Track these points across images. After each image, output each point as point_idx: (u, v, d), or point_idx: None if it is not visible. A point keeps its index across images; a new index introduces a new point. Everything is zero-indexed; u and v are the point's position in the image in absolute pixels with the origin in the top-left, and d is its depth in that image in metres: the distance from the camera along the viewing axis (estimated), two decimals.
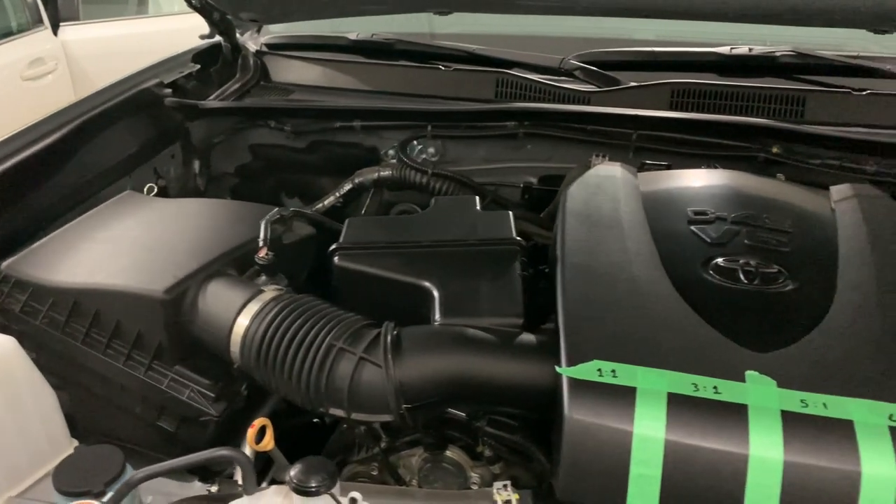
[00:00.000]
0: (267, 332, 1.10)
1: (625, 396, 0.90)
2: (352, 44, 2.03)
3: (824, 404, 0.89)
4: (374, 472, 1.27)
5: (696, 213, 1.25)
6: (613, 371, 0.93)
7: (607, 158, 1.59)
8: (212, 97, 1.94)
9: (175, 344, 1.20)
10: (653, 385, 0.92)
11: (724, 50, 1.81)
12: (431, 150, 1.83)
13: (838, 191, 1.35)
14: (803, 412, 0.88)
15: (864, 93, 1.67)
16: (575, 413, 0.91)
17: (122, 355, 1.22)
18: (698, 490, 0.87)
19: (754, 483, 0.85)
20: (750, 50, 1.79)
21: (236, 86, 1.98)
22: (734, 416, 0.88)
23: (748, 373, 0.93)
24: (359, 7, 1.87)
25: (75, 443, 1.28)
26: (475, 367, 1.06)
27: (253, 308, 1.15)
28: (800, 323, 1.02)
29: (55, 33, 4.52)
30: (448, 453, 1.23)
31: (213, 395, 1.20)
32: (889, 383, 0.91)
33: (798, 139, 1.59)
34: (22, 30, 4.39)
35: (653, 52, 1.89)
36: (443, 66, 1.93)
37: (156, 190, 1.75)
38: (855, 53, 1.78)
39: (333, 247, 1.30)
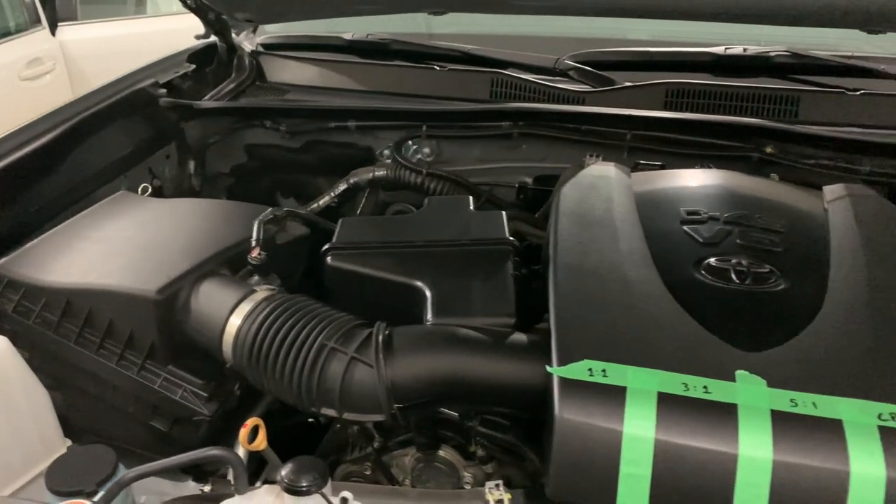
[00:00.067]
0: (259, 332, 1.10)
1: (615, 396, 0.90)
2: (347, 44, 2.03)
3: (814, 403, 0.89)
4: (368, 472, 1.27)
5: (689, 212, 1.25)
6: (604, 371, 0.93)
7: (601, 158, 1.59)
8: (207, 97, 1.94)
9: (168, 344, 1.21)
10: (643, 385, 0.92)
11: (719, 50, 1.81)
12: (427, 150, 1.83)
13: (831, 191, 1.35)
14: (793, 411, 0.88)
15: (857, 93, 1.68)
16: (565, 413, 0.91)
17: (115, 355, 1.22)
18: (688, 489, 0.87)
19: (743, 482, 0.85)
20: (744, 50, 1.79)
21: (231, 86, 1.98)
22: (724, 415, 0.88)
23: (738, 372, 0.92)
24: (354, 7, 1.87)
25: (68, 442, 1.29)
26: (466, 366, 1.06)
27: (245, 308, 1.15)
28: (791, 322, 1.02)
29: (53, 33, 4.52)
30: (441, 453, 1.23)
31: (205, 394, 1.20)
32: (879, 383, 0.91)
33: (792, 139, 1.59)
34: (20, 30, 4.39)
35: (647, 53, 1.90)
36: (438, 66, 1.94)
37: (150, 190, 1.76)
38: (849, 54, 1.78)
39: (326, 247, 1.30)
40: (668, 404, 0.89)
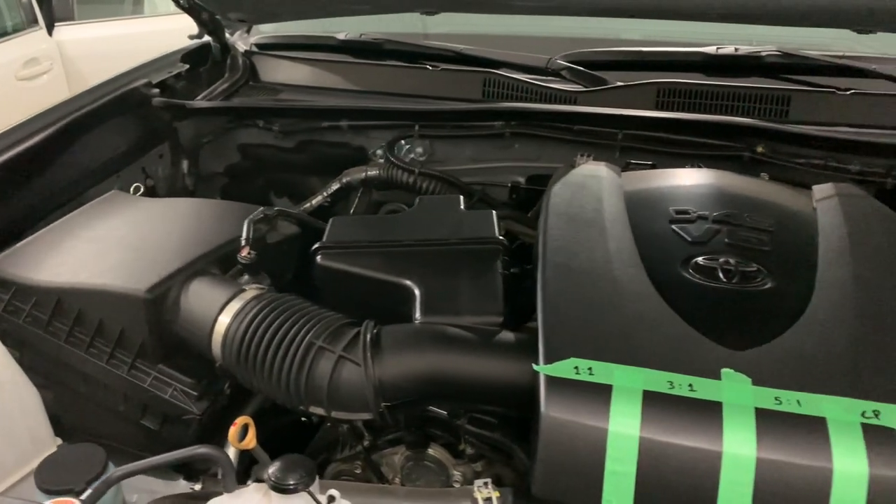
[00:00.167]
0: (247, 331, 1.11)
1: (601, 394, 0.91)
2: (340, 44, 2.04)
3: (798, 401, 0.89)
4: (358, 471, 1.28)
5: (678, 212, 1.26)
6: (590, 369, 0.94)
7: (592, 158, 1.60)
8: (200, 97, 1.94)
9: (158, 342, 1.21)
10: (629, 383, 0.92)
11: (711, 50, 1.81)
12: (419, 149, 1.83)
13: (820, 190, 1.35)
14: (777, 409, 0.89)
15: (848, 92, 1.68)
16: (551, 410, 0.92)
17: (105, 354, 1.22)
18: (672, 487, 0.88)
19: (727, 480, 0.86)
20: (736, 50, 1.79)
21: (224, 86, 1.98)
22: (708, 413, 0.89)
23: (723, 370, 0.93)
24: (346, 7, 1.87)
25: (59, 441, 1.29)
26: (454, 365, 1.06)
27: (234, 306, 1.15)
28: (777, 321, 1.02)
29: (50, 33, 4.51)
30: (430, 451, 1.24)
31: (195, 393, 1.21)
32: (863, 381, 0.92)
33: (783, 139, 1.59)
34: (17, 30, 4.38)
35: (639, 52, 1.90)
36: (430, 65, 1.94)
37: (142, 189, 1.76)
38: (840, 53, 1.78)
39: (316, 246, 1.30)
40: (654, 402, 0.90)
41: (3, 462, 1.20)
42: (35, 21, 4.47)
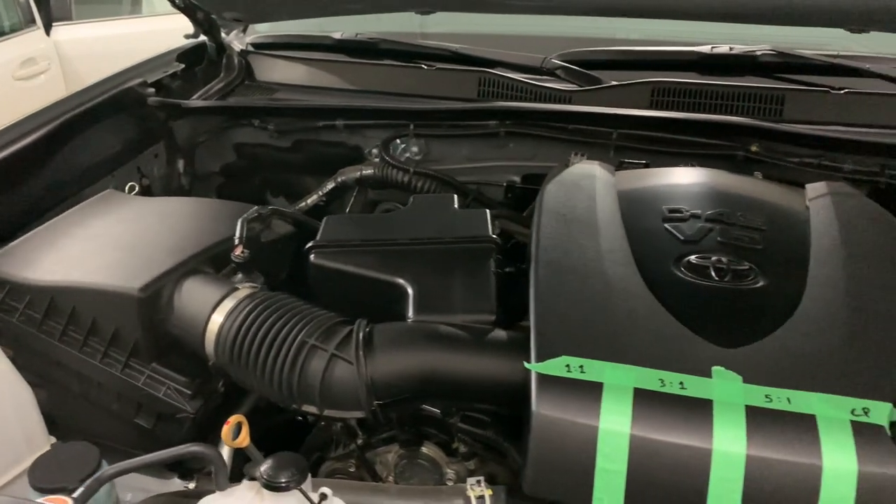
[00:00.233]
0: (240, 329, 1.11)
1: (592, 392, 0.91)
2: (336, 43, 2.04)
3: (788, 399, 0.90)
4: (352, 469, 1.28)
5: (671, 210, 1.26)
6: (581, 367, 0.94)
7: (586, 157, 1.60)
8: (195, 96, 1.94)
9: (151, 341, 1.21)
10: (620, 381, 0.92)
11: (705, 49, 1.81)
12: (415, 148, 1.84)
13: (813, 188, 1.36)
14: (767, 407, 0.89)
15: (842, 91, 1.68)
16: (542, 408, 0.92)
17: (99, 353, 1.22)
18: (663, 484, 0.88)
19: (717, 477, 0.86)
20: (730, 49, 1.80)
21: (220, 85, 1.99)
22: (699, 411, 0.89)
23: (714, 368, 0.93)
24: (341, 6, 1.87)
25: (53, 440, 1.29)
26: (446, 363, 1.07)
27: (227, 305, 1.16)
28: (769, 319, 1.03)
29: (48, 33, 4.50)
30: (424, 450, 1.24)
31: (189, 392, 1.21)
32: (852, 378, 0.92)
33: (777, 138, 1.60)
34: (14, 29, 4.39)
35: (634, 52, 1.90)
36: (426, 65, 1.94)
37: (137, 189, 1.76)
38: (834, 53, 1.78)
39: (309, 245, 1.31)
40: (644, 400, 0.90)
41: None
42: (33, 21, 4.47)
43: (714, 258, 1.13)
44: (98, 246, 1.31)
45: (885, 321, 1.01)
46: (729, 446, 0.86)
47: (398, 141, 1.83)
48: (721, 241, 1.17)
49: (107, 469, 0.97)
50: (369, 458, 1.26)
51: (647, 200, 1.31)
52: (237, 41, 2.14)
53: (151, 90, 1.87)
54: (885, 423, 0.86)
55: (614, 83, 1.79)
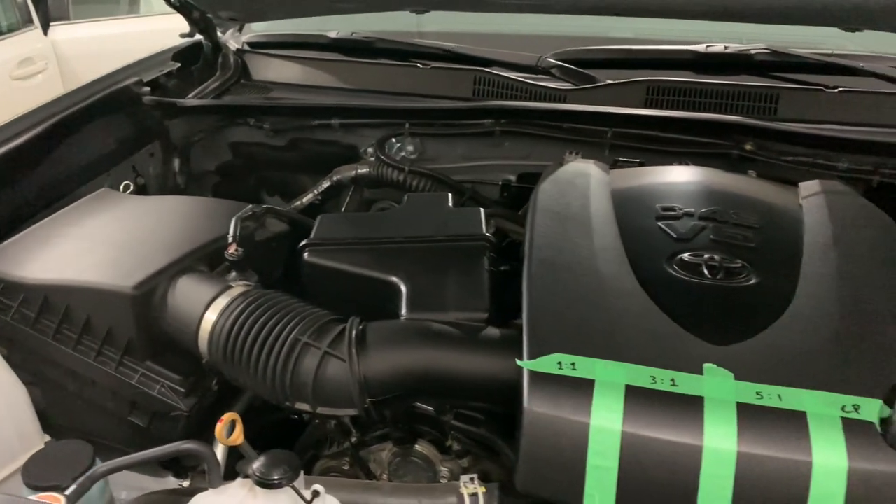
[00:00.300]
0: (233, 327, 1.11)
1: (583, 389, 0.91)
2: (331, 42, 2.04)
3: (779, 396, 0.90)
4: (346, 467, 1.28)
5: (665, 208, 1.26)
6: (573, 364, 0.94)
7: (580, 155, 1.60)
8: (191, 95, 1.94)
9: (145, 339, 1.21)
10: (611, 377, 0.92)
11: (700, 48, 1.82)
12: (410, 147, 1.84)
13: (807, 187, 1.36)
14: (758, 404, 0.89)
15: (836, 90, 1.69)
16: (534, 405, 0.92)
17: (93, 351, 1.22)
18: (654, 481, 0.88)
19: (708, 473, 0.86)
20: (725, 48, 1.80)
21: (216, 84, 1.99)
22: (690, 408, 0.89)
23: (706, 365, 0.93)
24: (336, 5, 1.88)
25: (47, 438, 1.29)
26: (438, 361, 1.07)
27: (221, 303, 1.16)
28: (761, 317, 1.03)
29: (45, 33, 4.51)
30: (417, 448, 1.24)
31: (183, 390, 1.21)
32: (844, 376, 0.92)
33: (771, 136, 1.60)
34: (12, 29, 4.38)
35: (629, 50, 1.90)
36: (421, 64, 1.94)
37: (132, 187, 1.76)
38: (829, 52, 1.79)
39: (303, 243, 1.31)
40: (636, 397, 0.90)
41: None
42: (30, 20, 4.47)
43: (707, 256, 1.13)
44: (92, 244, 1.31)
45: (877, 319, 1.02)
46: (720, 443, 0.87)
47: (394, 140, 1.83)
48: (714, 239, 1.18)
49: (99, 466, 0.97)
50: (363, 456, 1.26)
51: (641, 199, 1.31)
52: (233, 40, 2.14)
53: (147, 89, 1.87)
54: (875, 419, 0.86)
55: (609, 82, 1.80)
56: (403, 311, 1.16)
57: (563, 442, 0.90)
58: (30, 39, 4.42)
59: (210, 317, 1.15)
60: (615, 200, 1.29)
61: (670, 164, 1.57)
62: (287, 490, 0.94)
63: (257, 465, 0.94)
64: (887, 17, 1.49)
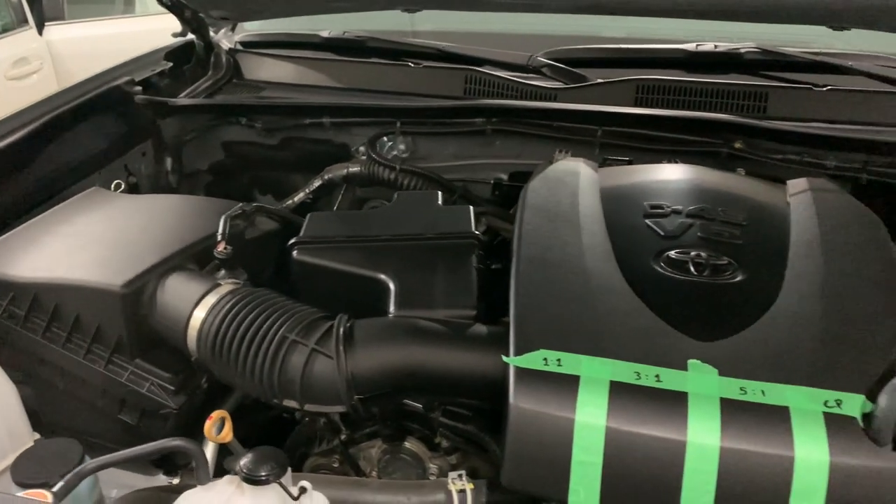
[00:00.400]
0: (222, 325, 1.11)
1: (568, 385, 0.92)
2: (324, 41, 2.05)
3: (762, 391, 0.90)
4: (336, 465, 1.28)
5: (653, 206, 1.27)
6: (559, 360, 0.95)
7: (570, 154, 1.61)
8: (182, 95, 1.95)
9: (134, 337, 1.21)
10: (596, 374, 0.93)
11: (690, 47, 1.83)
12: (402, 146, 1.84)
13: (794, 185, 1.37)
14: (742, 399, 0.90)
15: (825, 88, 1.69)
16: (519, 401, 0.93)
17: (83, 349, 1.22)
18: (638, 476, 0.89)
19: (692, 469, 0.87)
20: (715, 47, 1.81)
21: (208, 83, 1.99)
22: (674, 403, 0.90)
23: (690, 361, 0.94)
24: (327, 4, 1.88)
25: (37, 436, 1.29)
26: (426, 357, 1.07)
27: (210, 301, 1.16)
28: (746, 313, 1.03)
29: (40, 33, 4.50)
30: (407, 445, 1.25)
31: (172, 388, 1.21)
32: (827, 371, 0.93)
33: (760, 134, 1.61)
34: (7, 29, 4.38)
35: (619, 49, 1.91)
36: (413, 63, 1.95)
37: (123, 186, 1.76)
38: (817, 50, 1.80)
39: (292, 241, 1.31)
40: (620, 393, 0.91)
41: None
42: (25, 20, 4.47)
43: (693, 253, 1.14)
44: (82, 243, 1.31)
45: (861, 315, 1.02)
46: (703, 438, 0.87)
47: (385, 139, 1.84)
48: (701, 237, 1.18)
49: (87, 463, 0.97)
50: (353, 453, 1.27)
51: (630, 197, 1.32)
52: (226, 39, 2.14)
53: (138, 88, 1.87)
54: (857, 414, 0.87)
55: (599, 81, 1.80)
56: (391, 308, 1.16)
57: (549, 438, 0.91)
58: (25, 39, 4.42)
59: (199, 314, 1.15)
60: (604, 198, 1.29)
61: (660, 162, 1.58)
62: (274, 486, 0.94)
63: (244, 461, 0.95)
64: (875, 16, 1.50)
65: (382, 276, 1.21)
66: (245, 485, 0.94)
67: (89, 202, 1.47)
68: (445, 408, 1.17)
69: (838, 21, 1.57)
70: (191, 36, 2.08)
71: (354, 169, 1.78)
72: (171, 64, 2.03)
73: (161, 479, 1.30)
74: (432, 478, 1.23)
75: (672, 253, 1.15)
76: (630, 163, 1.59)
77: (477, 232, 1.33)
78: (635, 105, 1.76)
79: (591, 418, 0.90)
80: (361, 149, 1.84)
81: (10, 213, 1.50)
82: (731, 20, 1.66)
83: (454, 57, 1.94)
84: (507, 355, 0.97)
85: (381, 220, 1.39)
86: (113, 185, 1.73)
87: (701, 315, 1.05)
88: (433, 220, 1.36)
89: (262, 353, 1.08)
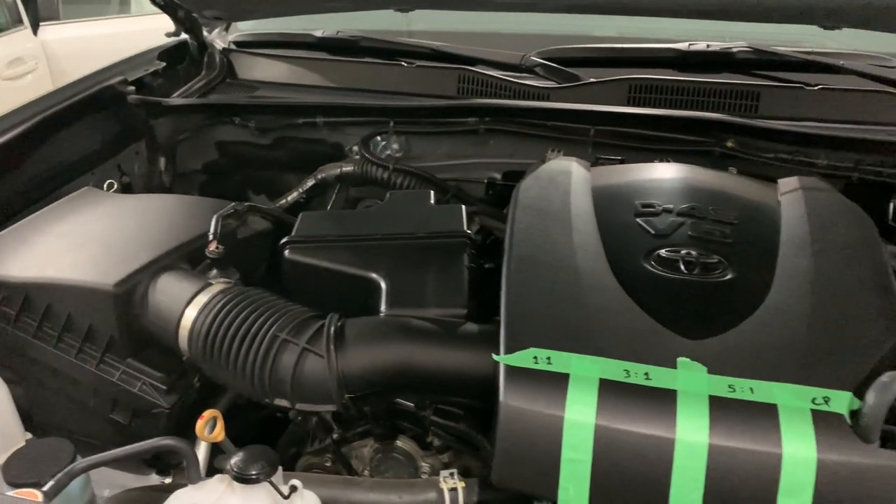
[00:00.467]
0: (213, 324, 1.12)
1: (558, 383, 0.92)
2: (317, 41, 2.05)
3: (751, 389, 0.91)
4: (328, 464, 1.29)
5: (644, 205, 1.27)
6: (549, 358, 0.95)
7: (562, 153, 1.61)
8: (175, 94, 1.95)
9: (126, 337, 1.21)
10: (586, 372, 0.93)
11: (683, 46, 1.83)
12: (395, 145, 1.84)
13: (785, 183, 1.37)
14: (730, 397, 0.90)
15: (816, 87, 1.70)
16: (509, 399, 0.93)
17: (74, 349, 1.23)
18: (627, 473, 0.89)
19: (680, 466, 0.87)
20: (707, 46, 1.81)
21: (201, 83, 1.99)
22: (663, 401, 0.90)
23: (679, 359, 0.94)
24: (320, 4, 1.88)
25: (29, 436, 1.29)
26: (416, 356, 1.08)
27: (201, 300, 1.16)
28: (736, 311, 1.04)
29: (35, 33, 4.48)
30: (399, 444, 1.25)
31: (164, 387, 1.21)
32: (815, 369, 0.93)
33: (752, 133, 1.61)
34: (1, 29, 4.38)
35: (612, 49, 1.92)
36: (406, 62, 1.95)
37: (116, 186, 1.76)
38: (809, 49, 1.80)
39: (284, 240, 1.31)
40: (610, 391, 0.91)
41: None
42: (20, 20, 4.46)
43: (684, 252, 1.14)
44: (73, 242, 1.31)
45: (849, 313, 1.03)
46: (692, 436, 0.88)
47: (378, 138, 1.84)
48: (692, 235, 1.19)
49: (77, 462, 0.97)
50: (345, 452, 1.27)
51: (621, 196, 1.32)
52: (220, 39, 2.14)
53: (131, 88, 1.87)
54: (844, 411, 0.87)
55: (592, 80, 1.80)
56: (383, 307, 1.16)
57: (538, 435, 0.91)
58: (19, 39, 4.42)
59: (190, 314, 1.15)
60: (595, 198, 1.30)
61: (652, 161, 1.58)
62: (265, 485, 0.94)
63: (235, 460, 0.95)
64: (865, 16, 1.51)
65: (374, 276, 1.21)
66: (235, 483, 0.95)
67: (81, 202, 1.47)
68: (437, 406, 1.17)
69: (830, 21, 1.58)
70: (184, 36, 2.08)
71: (348, 168, 1.78)
72: (164, 64, 2.03)
73: (154, 479, 1.30)
74: (424, 476, 1.23)
75: (662, 251, 1.15)
76: (622, 162, 1.60)
77: (469, 231, 1.33)
78: (628, 104, 1.76)
79: (580, 416, 0.90)
80: (355, 148, 1.84)
81: (2, 213, 1.50)
82: (722, 20, 1.66)
83: (447, 56, 1.94)
84: (498, 353, 0.97)
85: (373, 220, 1.40)
86: (105, 185, 1.72)
87: (691, 313, 1.05)
88: (425, 219, 1.37)
89: (253, 352, 1.08)
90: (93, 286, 1.19)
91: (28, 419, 1.31)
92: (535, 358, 0.95)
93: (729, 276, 1.11)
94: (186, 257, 1.29)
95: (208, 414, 1.01)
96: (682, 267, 1.12)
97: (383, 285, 1.20)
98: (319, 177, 1.80)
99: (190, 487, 0.98)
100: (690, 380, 0.92)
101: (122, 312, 1.20)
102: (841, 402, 0.88)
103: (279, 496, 0.94)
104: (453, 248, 1.28)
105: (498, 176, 1.80)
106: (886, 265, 1.12)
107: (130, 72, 1.94)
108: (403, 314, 1.14)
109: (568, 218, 1.23)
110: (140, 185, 1.89)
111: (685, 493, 0.87)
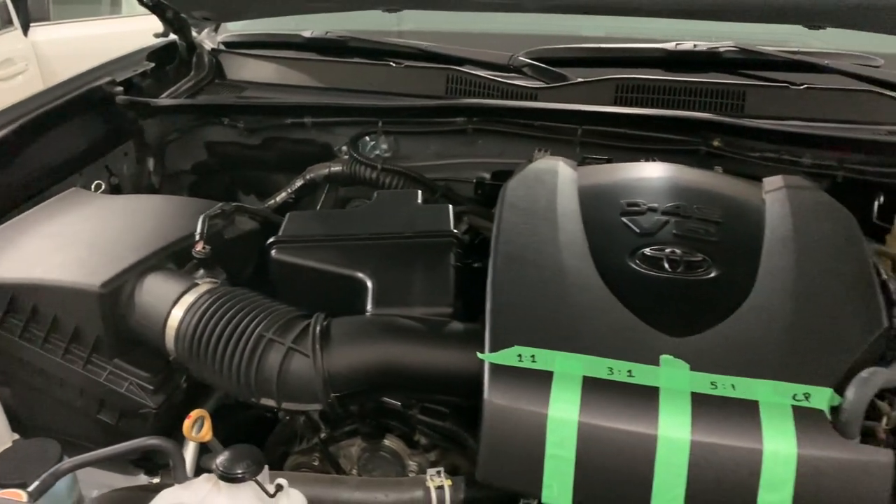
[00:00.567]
0: (199, 324, 1.12)
1: (542, 381, 0.93)
2: (306, 41, 2.05)
3: (733, 385, 0.92)
4: (316, 463, 1.29)
5: (630, 204, 1.28)
6: (533, 356, 0.96)
7: (549, 152, 1.62)
8: (164, 95, 1.94)
9: (113, 337, 1.21)
10: (569, 369, 0.94)
11: (669, 46, 1.84)
12: (384, 146, 1.85)
13: (770, 182, 1.38)
14: (712, 394, 0.91)
15: (802, 87, 1.71)
16: (494, 397, 0.93)
17: (61, 349, 1.22)
18: (610, 470, 0.90)
19: (663, 462, 0.88)
20: (694, 46, 1.82)
21: (190, 83, 1.99)
22: (646, 398, 0.91)
23: (662, 356, 0.95)
24: (309, 4, 1.88)
25: (16, 437, 1.29)
26: (402, 355, 1.08)
27: (187, 300, 1.16)
28: (719, 309, 1.04)
29: (25, 34, 4.48)
30: (386, 442, 1.25)
31: (151, 387, 1.21)
32: (796, 365, 0.94)
33: (738, 133, 1.62)
34: None
35: (599, 49, 1.92)
36: (394, 62, 1.96)
37: (104, 187, 1.76)
38: (795, 49, 1.81)
39: (271, 240, 1.32)
40: (593, 388, 0.92)
41: None
42: (10, 21, 4.46)
43: (668, 250, 1.15)
44: (60, 243, 1.31)
45: (830, 311, 1.04)
46: (674, 432, 0.88)
47: (367, 138, 1.84)
48: (676, 234, 1.19)
49: (63, 462, 0.97)
50: (333, 451, 1.27)
51: (607, 195, 1.33)
52: (209, 40, 2.14)
53: (120, 89, 1.87)
54: (825, 407, 0.88)
55: (580, 80, 1.81)
56: (369, 306, 1.17)
57: (522, 433, 0.92)
58: (9, 40, 4.41)
59: (176, 314, 1.15)
60: (581, 197, 1.30)
61: (638, 160, 1.59)
62: (250, 484, 0.94)
63: (220, 459, 0.95)
64: (850, 15, 1.52)
65: (360, 275, 1.22)
66: (221, 483, 0.95)
67: (68, 203, 1.47)
68: (423, 405, 1.17)
69: (813, 20, 1.59)
70: (173, 36, 2.08)
71: (336, 168, 1.79)
72: (153, 64, 2.03)
73: (142, 480, 1.30)
74: (412, 475, 1.23)
75: (647, 250, 1.16)
76: (610, 161, 1.60)
77: (455, 230, 1.34)
78: (615, 104, 1.77)
79: (563, 413, 0.91)
80: (344, 148, 1.84)
81: None
82: (709, 20, 1.67)
83: (436, 56, 1.95)
84: (483, 352, 0.98)
85: (360, 219, 1.40)
86: (93, 186, 1.72)
87: (674, 311, 1.06)
88: (412, 218, 1.37)
89: (239, 352, 1.08)
90: (79, 287, 1.19)
91: (15, 420, 1.31)
92: (520, 356, 0.96)
93: (713, 274, 1.11)
94: (173, 258, 1.29)
95: (195, 414, 1.01)
96: (667, 265, 1.13)
97: (369, 284, 1.20)
98: (308, 177, 1.81)
99: (176, 487, 0.98)
100: (673, 377, 0.93)
101: (109, 313, 1.20)
102: (821, 398, 0.89)
103: (265, 495, 0.94)
104: (440, 248, 1.28)
105: (487, 175, 1.81)
106: (868, 262, 1.13)
107: (119, 72, 1.94)
108: (389, 313, 1.14)
109: (554, 217, 1.24)
110: (129, 185, 1.89)
111: (668, 489, 0.88)
